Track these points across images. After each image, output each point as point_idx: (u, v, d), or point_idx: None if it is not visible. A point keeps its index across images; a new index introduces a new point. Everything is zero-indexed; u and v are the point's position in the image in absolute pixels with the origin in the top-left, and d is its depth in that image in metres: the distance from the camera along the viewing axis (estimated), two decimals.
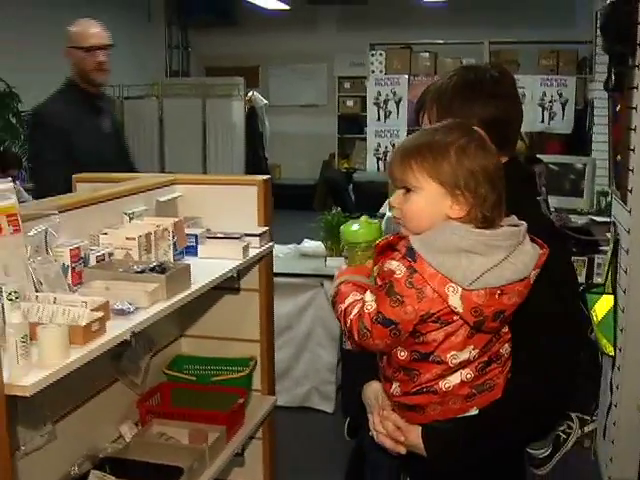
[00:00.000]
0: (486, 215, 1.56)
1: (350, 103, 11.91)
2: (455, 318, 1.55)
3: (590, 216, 6.00)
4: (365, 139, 9.45)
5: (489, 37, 8.95)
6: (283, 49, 11.61)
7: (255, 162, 10.18)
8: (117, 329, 1.73)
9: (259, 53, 11.75)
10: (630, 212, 3.43)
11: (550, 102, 8.41)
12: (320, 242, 4.79)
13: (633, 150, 3.42)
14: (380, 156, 8.78)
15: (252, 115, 10.52)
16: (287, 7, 9.74)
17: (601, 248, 4.65)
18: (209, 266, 2.32)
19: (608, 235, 5.13)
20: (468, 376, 1.62)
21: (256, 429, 2.66)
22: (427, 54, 9.16)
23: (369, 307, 1.58)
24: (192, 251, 2.46)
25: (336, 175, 8.61)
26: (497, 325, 1.59)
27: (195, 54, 12.94)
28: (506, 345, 1.67)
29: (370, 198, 7.07)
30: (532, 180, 2.05)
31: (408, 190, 1.59)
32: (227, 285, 2.54)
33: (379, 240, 1.66)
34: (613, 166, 3.91)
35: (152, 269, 2.05)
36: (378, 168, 8.81)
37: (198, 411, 2.52)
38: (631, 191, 3.45)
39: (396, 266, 1.54)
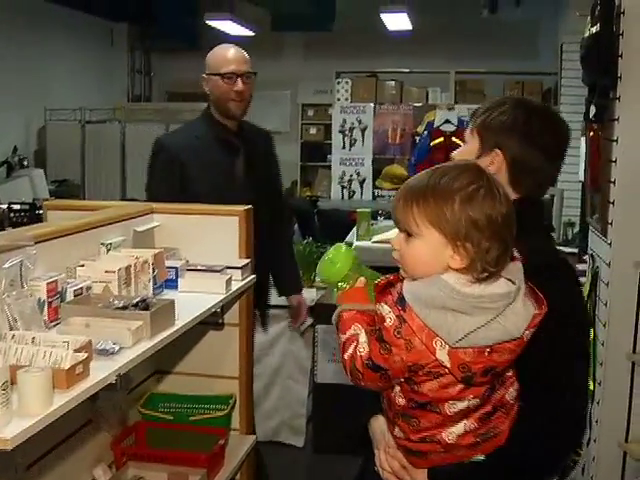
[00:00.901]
0: (488, 269, 1.48)
1: (313, 131, 11.85)
2: (445, 371, 1.49)
3: (559, 247, 5.99)
4: (328, 167, 9.43)
5: (455, 67, 9.01)
6: None
7: None
8: (101, 371, 1.61)
9: None
10: (610, 245, 3.39)
11: None
12: None
13: (614, 183, 3.39)
14: (345, 184, 8.74)
15: None
16: (251, 33, 9.68)
17: None
18: (191, 300, 2.21)
19: (578, 267, 5.14)
20: (471, 426, 1.57)
21: (236, 471, 2.54)
22: (393, 82, 9.20)
23: (361, 350, 1.55)
24: (172, 284, 2.35)
25: (302, 203, 8.53)
26: (488, 379, 1.53)
27: (158, 79, 12.82)
28: (511, 389, 1.62)
29: (335, 226, 7.02)
30: (541, 214, 1.97)
31: (410, 234, 1.53)
32: (205, 320, 2.43)
33: (379, 280, 1.63)
34: (590, 198, 3.87)
35: (135, 305, 1.93)
36: (343, 196, 8.78)
37: (177, 453, 2.40)
38: (611, 224, 3.41)
39: (387, 312, 1.50)
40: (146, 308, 1.92)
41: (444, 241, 1.48)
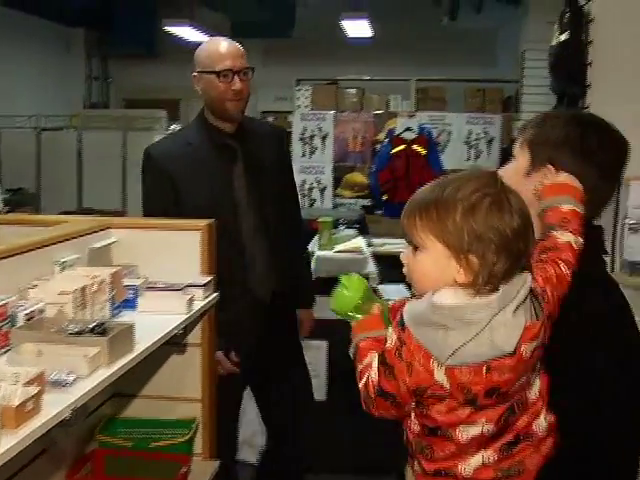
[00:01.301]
0: (494, 283, 1.38)
1: None
2: (447, 393, 1.40)
3: None
4: None
5: (416, 74, 8.97)
6: None
7: None
8: (55, 406, 1.48)
9: (180, 86, 11.37)
10: None
11: (476, 140, 8.45)
12: None
13: None
14: (305, 192, 8.63)
15: None
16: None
17: None
18: (151, 322, 2.08)
19: None
20: (490, 459, 1.45)
21: None
22: (354, 90, 9.12)
23: (373, 375, 1.48)
24: (130, 304, 2.22)
25: None
26: (495, 401, 1.41)
27: (115, 86, 12.64)
28: (541, 419, 1.48)
29: None
30: (599, 236, 1.79)
31: (416, 248, 1.46)
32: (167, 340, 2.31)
33: (395, 301, 1.60)
34: None
35: (91, 330, 1.80)
36: (303, 205, 8.67)
37: None
38: None
39: (389, 335, 1.46)
40: (103, 333, 1.79)
41: (448, 254, 1.40)
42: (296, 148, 8.64)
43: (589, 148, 1.66)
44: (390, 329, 1.47)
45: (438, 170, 7.00)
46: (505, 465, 1.45)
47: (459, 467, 1.45)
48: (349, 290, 1.63)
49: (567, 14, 3.22)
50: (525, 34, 7.67)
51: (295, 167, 8.51)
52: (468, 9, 9.97)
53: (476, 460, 1.45)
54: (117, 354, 1.77)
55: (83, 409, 2.15)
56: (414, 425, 1.50)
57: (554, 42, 3.41)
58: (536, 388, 1.48)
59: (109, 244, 2.44)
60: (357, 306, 1.61)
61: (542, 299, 1.46)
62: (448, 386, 1.38)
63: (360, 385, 1.52)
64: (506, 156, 8.45)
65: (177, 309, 2.20)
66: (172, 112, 10.94)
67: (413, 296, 1.52)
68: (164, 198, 2.96)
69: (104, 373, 1.69)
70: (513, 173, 1.71)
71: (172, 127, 10.11)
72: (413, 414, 1.50)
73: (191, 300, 2.24)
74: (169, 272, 2.39)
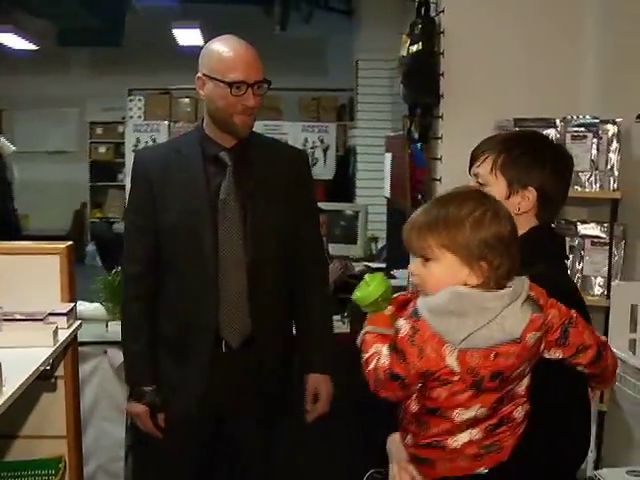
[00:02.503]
0: (501, 283, 1.63)
1: (103, 150, 11.41)
2: (456, 378, 1.62)
3: (364, 262, 6.04)
4: (121, 187, 9.03)
5: None
6: (30, 92, 10.82)
7: (3, 215, 9.37)
8: None
9: (3, 96, 10.93)
10: None
11: (312, 148, 8.52)
12: (98, 304, 4.36)
13: None
14: None
15: None
16: (35, 47, 9.16)
17: None
18: (14, 358, 1.90)
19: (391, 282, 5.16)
20: (477, 436, 1.69)
21: None
22: (188, 100, 8.99)
23: (383, 361, 1.67)
24: None
25: (99, 227, 8.10)
26: (497, 385, 1.64)
27: None
28: (520, 408, 1.72)
29: None
30: (561, 244, 2.10)
31: (427, 259, 1.66)
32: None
33: (398, 295, 1.79)
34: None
35: None
36: None
37: None
38: None
39: (402, 324, 1.65)
40: None
41: (460, 262, 1.63)
42: (129, 160, 8.39)
43: (562, 167, 1.95)
44: (401, 320, 1.66)
45: None
46: (487, 442, 1.70)
47: (449, 440, 1.69)
48: (371, 286, 1.78)
49: (419, 25, 3.24)
50: (358, 44, 7.79)
51: (128, 178, 8.41)
52: (297, 19, 10.03)
53: (464, 436, 1.68)
54: None
55: None
56: (413, 405, 1.71)
57: (404, 53, 3.43)
58: (525, 384, 1.71)
59: None
60: (374, 302, 1.77)
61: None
62: (458, 369, 1.60)
63: (369, 369, 1.70)
64: (342, 163, 8.61)
65: (41, 341, 2.03)
66: None
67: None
68: (140, 207, 2.65)
69: None
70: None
71: None
72: (415, 395, 1.70)
73: (56, 330, 2.08)
74: (25, 300, 2.22)
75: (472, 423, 1.67)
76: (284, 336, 2.80)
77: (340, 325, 4.11)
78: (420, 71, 3.23)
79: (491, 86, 3.27)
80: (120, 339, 2.71)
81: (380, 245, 6.66)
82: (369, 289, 1.80)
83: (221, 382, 2.64)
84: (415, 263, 1.70)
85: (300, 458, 3.64)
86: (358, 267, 5.61)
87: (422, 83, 3.24)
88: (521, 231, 1.79)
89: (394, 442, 1.89)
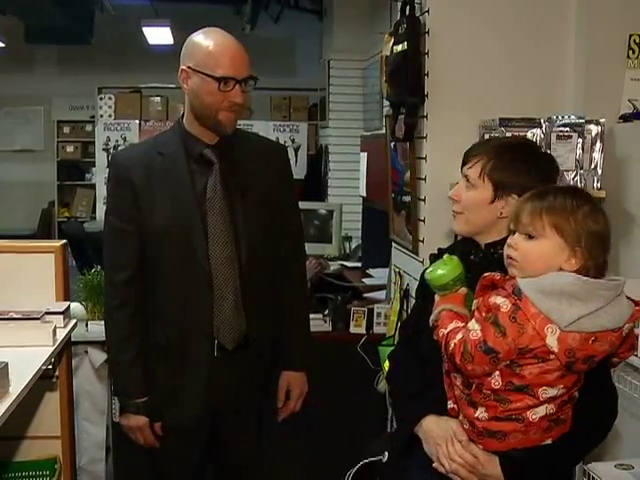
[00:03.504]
0: (593, 274, 1.78)
1: (70, 149, 11.29)
2: (551, 357, 1.74)
3: (339, 262, 6.05)
4: (87, 186, 8.93)
5: None
6: None
7: None
8: None
9: None
10: (423, 262, 3.39)
11: None
12: (77, 303, 4.32)
13: (424, 200, 3.41)
14: None
15: None
16: (2, 45, 9.06)
17: (366, 295, 4.67)
18: (15, 358, 1.88)
19: (365, 281, 5.18)
20: (551, 411, 1.83)
21: None
22: (158, 98, 8.91)
23: (474, 334, 1.77)
24: None
25: (71, 226, 7.99)
26: (585, 367, 1.79)
27: None
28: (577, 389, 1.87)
29: None
30: None
31: (531, 237, 1.81)
32: None
33: (486, 275, 1.85)
34: (394, 215, 3.88)
35: None
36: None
37: None
38: (423, 241, 3.42)
39: (502, 301, 1.75)
40: None
41: (564, 245, 1.78)
42: (99, 159, 8.32)
43: (550, 174, 2.08)
44: (499, 297, 1.76)
45: None
46: (556, 417, 1.84)
47: (528, 413, 1.81)
48: (445, 268, 1.90)
49: (403, 25, 3.25)
50: (329, 44, 7.79)
51: (99, 178, 8.34)
52: (267, 18, 10.02)
53: (542, 409, 1.81)
54: None
55: None
56: (495, 381, 1.80)
57: (388, 52, 3.44)
58: None
59: None
60: (448, 284, 1.89)
61: None
62: (556, 350, 1.72)
63: (454, 342, 1.80)
64: (313, 163, 8.60)
65: (41, 340, 2.01)
66: None
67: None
68: (123, 211, 2.58)
69: None
70: (478, 201, 2.08)
71: None
72: (497, 372, 1.79)
73: (55, 330, 2.06)
74: (21, 299, 2.21)
75: (551, 399, 1.81)
76: (273, 334, 2.80)
77: (322, 323, 4.13)
78: (406, 71, 3.24)
79: (476, 86, 3.28)
80: (106, 348, 2.64)
81: (354, 244, 6.68)
82: (447, 269, 1.91)
83: (217, 387, 2.62)
84: (516, 238, 1.84)
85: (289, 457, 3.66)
86: (334, 266, 5.64)
87: (407, 83, 3.25)
88: (503, 235, 2.00)
89: (435, 424, 1.99)
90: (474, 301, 1.86)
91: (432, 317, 1.92)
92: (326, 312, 4.21)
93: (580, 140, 3.02)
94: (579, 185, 3.05)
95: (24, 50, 10.31)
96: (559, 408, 1.84)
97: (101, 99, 8.63)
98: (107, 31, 10.03)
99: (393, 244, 4.00)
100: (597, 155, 3.05)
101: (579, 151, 3.03)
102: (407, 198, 3.60)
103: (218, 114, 2.52)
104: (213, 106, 2.51)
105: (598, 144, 3.05)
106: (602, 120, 3.05)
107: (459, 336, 1.81)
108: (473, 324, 1.80)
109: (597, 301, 1.72)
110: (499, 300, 1.76)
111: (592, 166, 3.05)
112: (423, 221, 3.42)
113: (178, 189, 2.57)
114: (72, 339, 3.88)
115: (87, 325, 4.12)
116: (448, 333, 1.84)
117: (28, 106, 11.17)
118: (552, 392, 1.80)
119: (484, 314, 1.79)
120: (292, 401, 2.82)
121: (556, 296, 1.71)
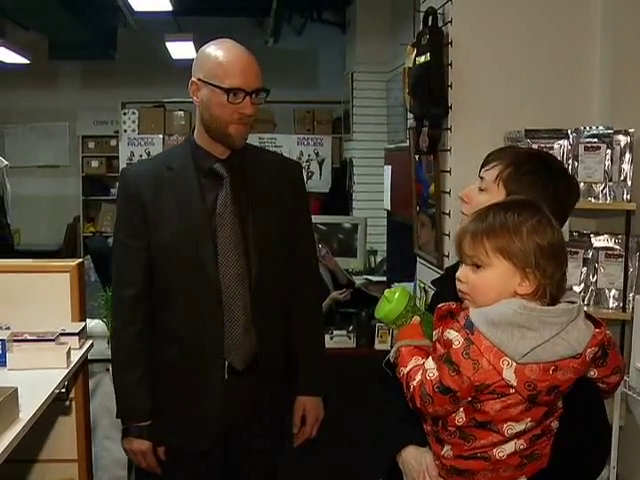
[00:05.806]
0: (552, 292, 1.65)
1: (95, 164, 11.30)
2: (511, 391, 1.63)
3: (364, 275, 5.99)
4: (113, 201, 8.88)
5: None
6: (21, 106, 10.75)
7: None
8: None
9: None
10: None
11: (307, 161, 8.49)
12: (99, 320, 4.29)
13: (449, 214, 3.34)
14: None
15: None
16: (26, 61, 9.08)
17: None
18: (28, 381, 1.84)
19: None
20: (521, 447, 1.70)
21: None
22: (182, 113, 8.93)
23: (431, 375, 1.67)
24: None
25: (97, 243, 7.97)
26: (552, 399, 1.67)
27: None
28: (556, 420, 1.74)
29: None
30: None
31: (478, 266, 1.68)
32: None
33: (441, 305, 1.74)
34: (419, 229, 3.81)
35: None
36: None
37: None
38: (448, 256, 3.35)
39: (455, 336, 1.65)
40: None
41: (513, 269, 1.65)
42: None
43: (557, 194, 1.92)
44: (452, 332, 1.66)
45: None
46: (529, 452, 1.71)
47: (494, 451, 1.70)
48: (390, 304, 1.79)
49: (426, 36, 3.19)
50: (352, 56, 7.76)
51: None
52: (290, 31, 10.02)
53: (509, 446, 1.69)
54: (2, 426, 1.53)
55: None
56: (459, 418, 1.70)
57: (410, 64, 3.39)
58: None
59: None
60: (399, 317, 1.79)
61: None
62: (515, 383, 1.61)
63: (413, 384, 1.71)
64: (338, 176, 8.55)
65: (55, 363, 1.97)
66: None
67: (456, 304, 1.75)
68: (132, 227, 2.51)
69: None
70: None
71: None
72: (461, 408, 1.69)
73: (69, 351, 2.01)
74: (36, 320, 2.17)
75: (519, 434, 1.69)
76: (285, 354, 2.73)
77: (346, 340, 4.07)
78: (428, 82, 3.18)
79: (501, 97, 3.22)
80: (111, 369, 2.56)
81: (379, 258, 6.61)
82: (391, 305, 1.80)
83: (229, 407, 2.55)
84: (463, 271, 1.71)
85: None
86: (359, 280, 5.56)
87: (430, 94, 3.19)
88: None
89: (413, 457, 1.88)
90: (434, 332, 1.74)
91: (391, 354, 1.83)
92: (350, 328, 4.15)
93: (609, 151, 2.95)
94: (608, 198, 2.97)
95: (48, 66, 10.35)
96: (531, 443, 1.71)
97: (125, 114, 8.66)
98: (130, 46, 10.05)
99: (418, 259, 3.93)
100: (626, 166, 2.97)
101: (608, 162, 2.95)
102: (432, 211, 3.54)
103: (228, 127, 2.45)
104: (223, 119, 2.44)
105: (627, 155, 2.97)
106: (631, 130, 2.97)
107: (418, 377, 1.71)
108: (429, 363, 1.70)
109: (549, 329, 1.60)
110: (452, 335, 1.65)
111: (621, 178, 2.97)
112: (448, 235, 3.35)
113: (187, 204, 2.50)
114: (92, 357, 3.90)
115: (109, 342, 4.10)
116: (408, 373, 1.74)
117: (52, 122, 11.19)
118: (519, 427, 1.68)
119: (441, 350, 1.68)
120: (308, 427, 2.73)
121: (506, 327, 1.60)
